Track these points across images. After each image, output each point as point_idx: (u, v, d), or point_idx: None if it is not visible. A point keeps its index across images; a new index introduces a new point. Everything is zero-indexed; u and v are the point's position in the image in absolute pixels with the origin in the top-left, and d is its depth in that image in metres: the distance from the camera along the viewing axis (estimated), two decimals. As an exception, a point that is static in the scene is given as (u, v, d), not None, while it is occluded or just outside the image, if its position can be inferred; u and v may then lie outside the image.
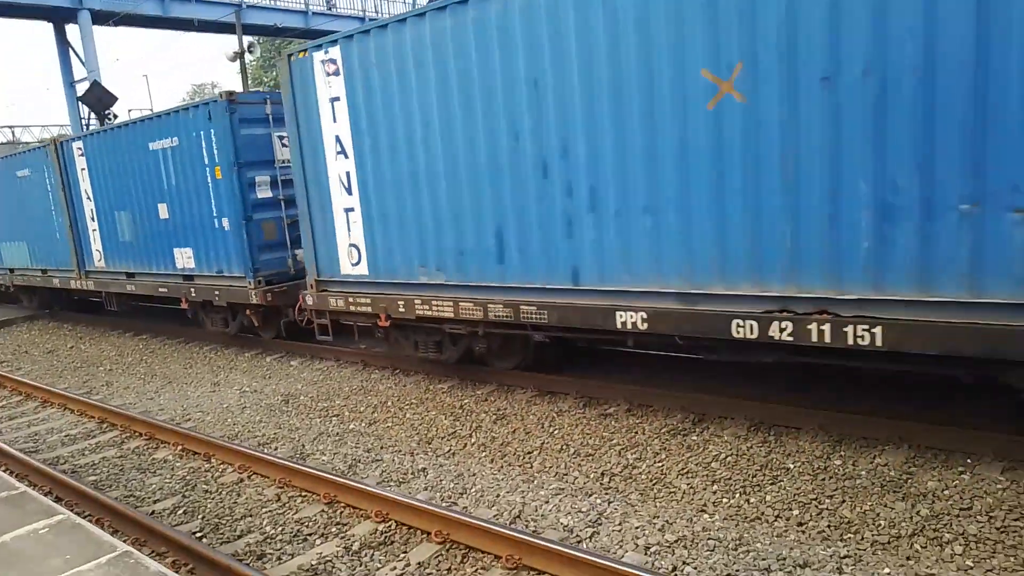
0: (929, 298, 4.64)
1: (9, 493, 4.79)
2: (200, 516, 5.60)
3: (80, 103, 22.77)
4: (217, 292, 10.51)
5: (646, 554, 4.46)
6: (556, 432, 6.56)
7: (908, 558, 4.20)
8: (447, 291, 7.39)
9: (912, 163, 4.54)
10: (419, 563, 4.60)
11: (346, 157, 8.00)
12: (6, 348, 13.76)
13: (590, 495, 5.33)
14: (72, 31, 24.73)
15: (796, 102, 4.94)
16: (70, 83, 24.99)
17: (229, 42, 28.52)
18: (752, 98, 5.12)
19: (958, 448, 5.24)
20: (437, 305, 7.46)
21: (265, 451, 6.65)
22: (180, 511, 5.72)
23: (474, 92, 6.72)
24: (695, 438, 6.07)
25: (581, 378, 7.55)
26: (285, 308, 10.01)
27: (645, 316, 5.93)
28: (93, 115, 22.36)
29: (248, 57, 26.30)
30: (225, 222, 10.04)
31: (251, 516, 5.52)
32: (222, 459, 6.63)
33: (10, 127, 46.18)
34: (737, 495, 5.11)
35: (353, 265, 8.28)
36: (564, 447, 6.22)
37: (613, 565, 4.02)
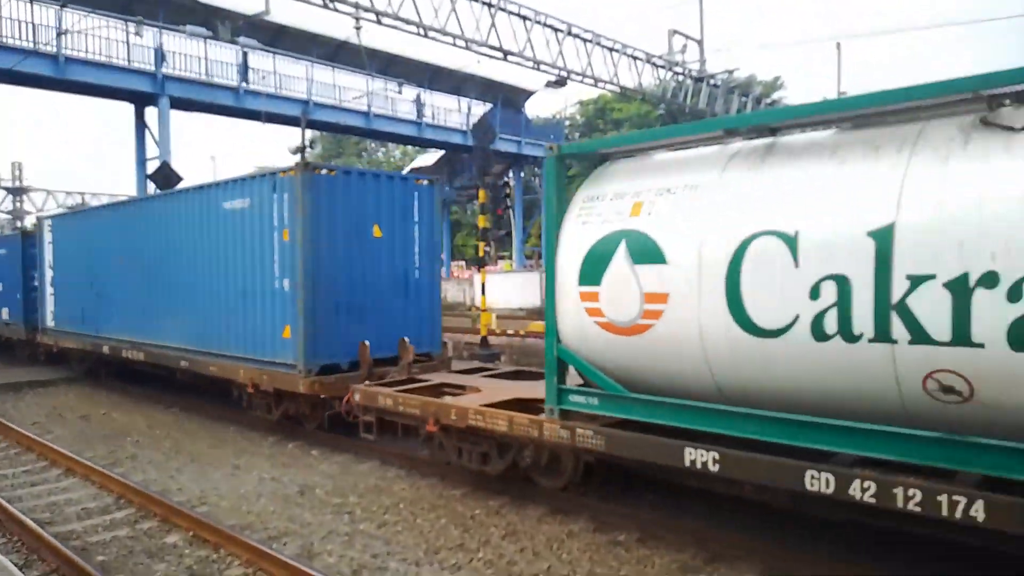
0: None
1: None
2: (200, 609, 5.61)
3: (148, 180, 24.15)
4: (13, 330, 20.65)
5: None
6: (564, 556, 6.46)
7: None
8: (73, 337, 16.65)
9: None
10: None
11: (52, 269, 17.82)
12: (41, 410, 14.13)
13: (591, 629, 5.20)
14: (150, 112, 26.48)
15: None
16: (142, 160, 26.54)
17: (295, 132, 30.11)
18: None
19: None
20: (73, 342, 16.75)
21: (274, 546, 6.68)
22: (182, 602, 5.74)
23: (83, 249, 16.24)
24: (705, 578, 5.93)
25: (595, 500, 7.49)
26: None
27: (142, 354, 13.82)
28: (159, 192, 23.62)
29: (309, 151, 27.76)
30: (18, 295, 20.04)
31: (250, 615, 5.50)
32: (230, 550, 6.66)
33: (80, 193, 49.00)
34: (743, 646, 4.95)
35: (52, 320, 17.84)
36: (571, 573, 6.12)
37: None
